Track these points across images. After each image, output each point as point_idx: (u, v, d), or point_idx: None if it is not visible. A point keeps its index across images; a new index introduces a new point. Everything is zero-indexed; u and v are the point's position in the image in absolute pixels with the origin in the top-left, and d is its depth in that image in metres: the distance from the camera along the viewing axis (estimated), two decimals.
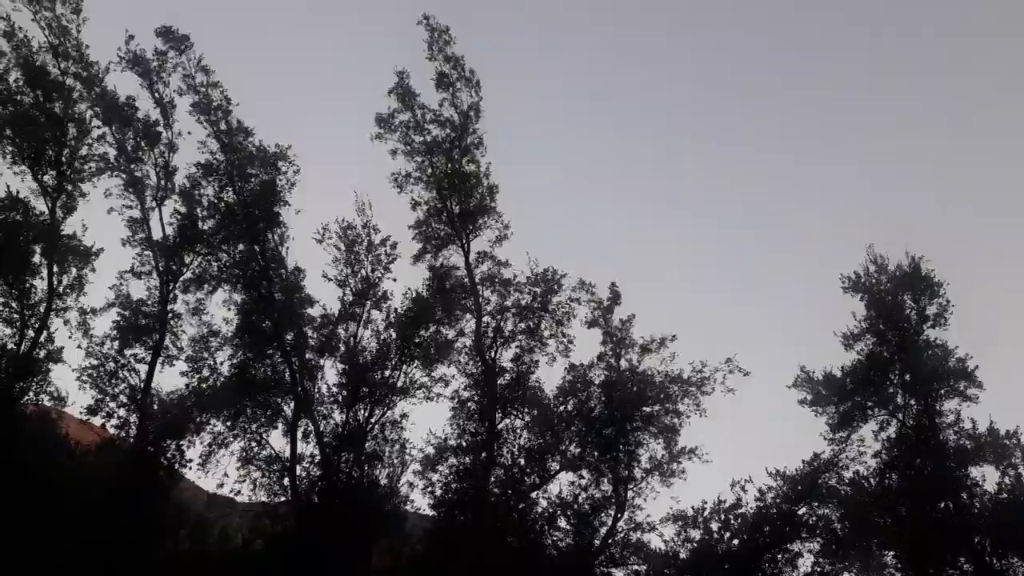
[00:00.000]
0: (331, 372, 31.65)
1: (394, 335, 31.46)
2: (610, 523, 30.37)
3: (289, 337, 31.35)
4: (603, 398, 31.50)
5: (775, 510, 30.85)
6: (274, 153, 32.09)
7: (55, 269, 30.15)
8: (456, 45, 32.89)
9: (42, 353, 29.30)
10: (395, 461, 30.37)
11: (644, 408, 31.13)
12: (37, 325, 29.49)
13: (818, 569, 30.09)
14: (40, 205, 30.45)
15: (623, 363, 31.85)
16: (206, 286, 31.40)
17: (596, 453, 31.01)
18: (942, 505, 29.51)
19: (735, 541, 30.56)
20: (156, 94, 31.46)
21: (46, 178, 30.59)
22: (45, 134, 30.42)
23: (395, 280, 32.58)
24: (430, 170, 33.21)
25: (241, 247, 31.66)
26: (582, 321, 32.44)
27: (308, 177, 32.89)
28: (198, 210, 31.77)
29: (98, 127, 31.28)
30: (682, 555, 30.37)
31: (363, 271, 32.38)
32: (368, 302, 31.97)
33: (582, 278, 32.50)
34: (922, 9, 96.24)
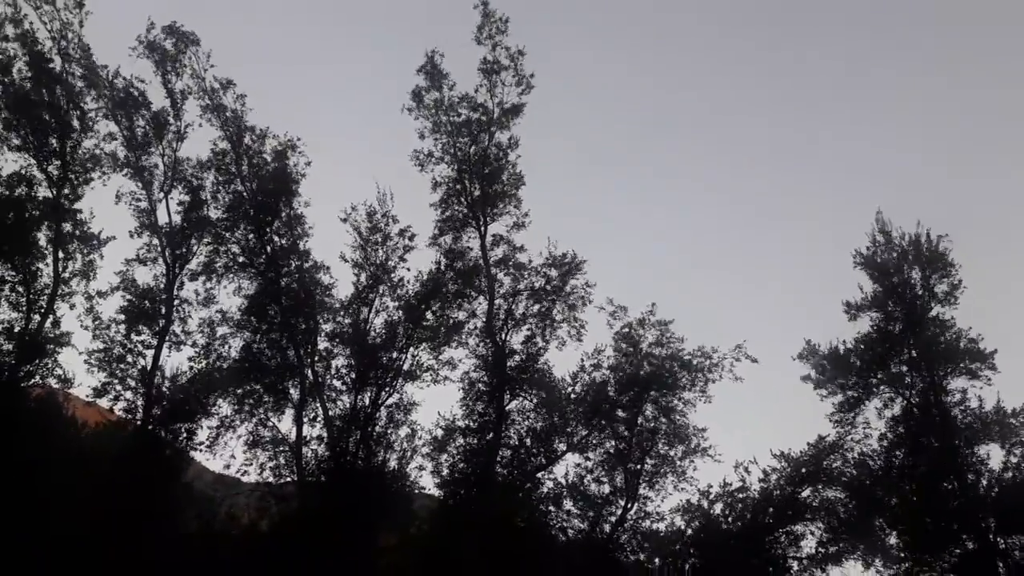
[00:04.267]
0: (341, 355, 31.59)
1: (402, 316, 31.39)
2: (620, 512, 30.42)
3: (300, 323, 31.33)
4: (614, 383, 31.41)
5: (779, 492, 30.92)
6: (285, 143, 32.26)
7: (60, 254, 30.16)
8: (510, 37, 32.69)
9: (49, 336, 29.34)
10: (403, 444, 30.35)
11: (652, 392, 31.07)
12: (43, 309, 29.50)
13: (821, 550, 30.17)
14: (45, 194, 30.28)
15: (644, 366, 31.53)
16: (215, 276, 31.42)
17: (606, 437, 31.09)
18: (947, 484, 29.45)
19: (739, 523, 30.65)
20: (168, 84, 31.45)
21: (51, 168, 30.45)
22: (50, 122, 30.20)
23: (409, 269, 32.52)
24: (453, 150, 33.23)
25: (251, 236, 31.73)
26: (612, 338, 32.04)
27: (329, 167, 32.96)
28: (202, 194, 31.84)
29: (105, 122, 31.05)
30: (686, 537, 30.53)
31: (379, 257, 32.27)
32: (382, 287, 31.91)
33: (619, 303, 32.20)
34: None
